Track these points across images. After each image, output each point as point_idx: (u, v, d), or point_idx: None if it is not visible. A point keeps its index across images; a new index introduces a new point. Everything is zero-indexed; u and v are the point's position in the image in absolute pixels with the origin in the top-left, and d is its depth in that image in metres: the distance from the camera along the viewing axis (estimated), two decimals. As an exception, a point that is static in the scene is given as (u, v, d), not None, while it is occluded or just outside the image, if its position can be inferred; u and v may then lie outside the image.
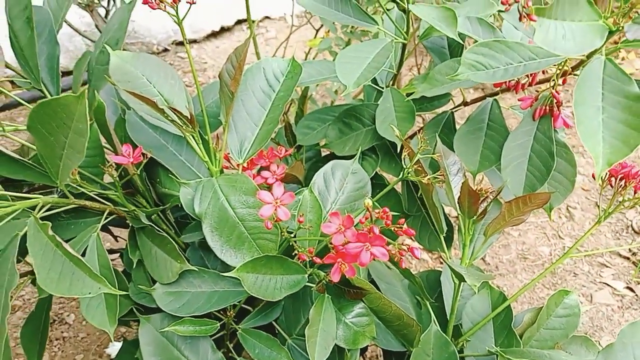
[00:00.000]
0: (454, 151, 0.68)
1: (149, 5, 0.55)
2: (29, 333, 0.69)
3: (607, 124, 0.47)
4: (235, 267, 0.51)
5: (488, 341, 0.64)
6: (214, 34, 2.29)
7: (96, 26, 1.55)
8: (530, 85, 0.67)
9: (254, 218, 0.55)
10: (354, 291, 0.55)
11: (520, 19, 0.46)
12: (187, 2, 0.56)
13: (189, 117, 0.57)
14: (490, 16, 0.70)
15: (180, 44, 2.19)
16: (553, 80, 0.63)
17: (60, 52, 0.72)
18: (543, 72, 0.66)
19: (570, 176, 0.66)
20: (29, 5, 0.67)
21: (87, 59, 0.73)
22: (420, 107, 0.77)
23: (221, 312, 0.62)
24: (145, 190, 0.67)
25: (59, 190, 0.64)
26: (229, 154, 0.63)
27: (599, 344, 1.21)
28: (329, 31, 1.45)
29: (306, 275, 0.55)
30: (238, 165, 0.62)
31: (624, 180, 0.59)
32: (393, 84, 0.81)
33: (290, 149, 0.78)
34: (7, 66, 0.70)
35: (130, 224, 0.65)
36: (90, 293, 0.46)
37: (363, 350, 0.85)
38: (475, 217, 0.62)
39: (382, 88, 0.80)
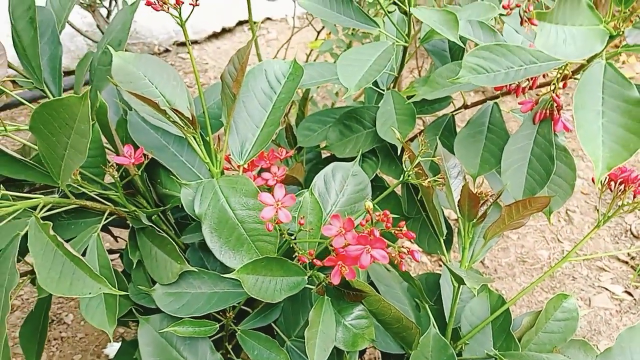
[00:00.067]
0: (454, 154, 0.68)
1: (152, 7, 0.55)
2: (28, 333, 0.69)
3: (607, 128, 0.47)
4: (234, 269, 0.51)
5: (487, 344, 0.64)
6: (215, 35, 2.29)
7: (98, 26, 1.55)
8: (530, 88, 0.67)
9: (254, 220, 0.56)
10: (354, 293, 0.55)
11: (521, 23, 0.47)
12: (190, 4, 0.56)
13: (191, 118, 0.57)
14: (491, 19, 0.70)
15: (182, 44, 2.20)
16: (553, 84, 0.63)
17: (62, 53, 0.72)
18: (544, 76, 0.66)
19: (570, 180, 0.66)
20: (32, 5, 0.68)
21: (90, 59, 0.73)
22: (420, 110, 0.77)
23: (220, 313, 0.62)
24: (146, 191, 0.67)
25: (60, 190, 0.64)
26: (229, 155, 0.63)
27: (597, 347, 1.21)
28: (330, 33, 1.45)
29: (306, 277, 0.55)
30: (239, 166, 0.63)
31: (623, 185, 0.59)
32: (394, 87, 0.81)
33: (291, 150, 0.78)
34: (10, 66, 0.70)
35: (131, 225, 0.65)
36: (90, 293, 0.46)
37: (362, 353, 0.85)
38: (475, 220, 0.62)
39: (383, 90, 0.80)
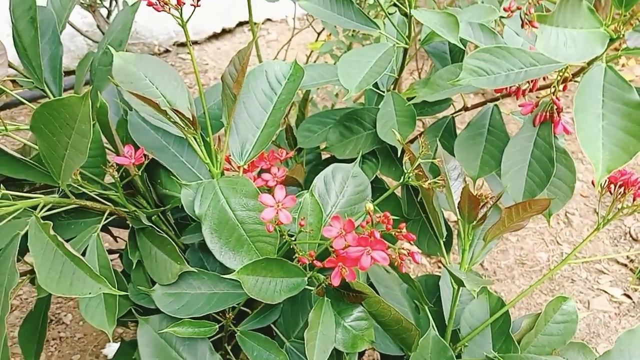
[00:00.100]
0: (454, 156, 0.68)
1: (153, 8, 0.55)
2: (27, 333, 0.69)
3: (607, 130, 0.47)
4: (234, 269, 0.51)
5: (486, 346, 0.64)
6: (215, 36, 2.29)
7: (98, 26, 1.55)
8: (531, 91, 0.67)
9: (254, 221, 0.56)
10: (354, 295, 0.55)
11: (522, 26, 0.47)
12: (192, 5, 0.56)
13: (191, 119, 0.57)
14: (492, 22, 0.70)
15: (182, 45, 2.20)
16: (554, 86, 0.63)
17: (63, 53, 0.72)
18: (544, 79, 0.66)
19: (570, 182, 0.66)
20: (33, 5, 0.68)
21: (90, 59, 0.73)
22: (421, 112, 0.77)
23: (220, 314, 0.62)
24: (146, 191, 0.67)
25: (60, 190, 0.64)
26: (230, 156, 0.63)
27: (596, 350, 1.21)
28: (330, 34, 1.45)
29: (306, 278, 0.55)
30: (239, 167, 0.63)
31: (623, 188, 0.59)
32: (394, 88, 0.81)
33: (291, 151, 0.78)
34: (10, 65, 0.70)
35: (131, 225, 0.65)
36: (90, 293, 0.46)
37: (361, 354, 0.85)
38: (475, 222, 0.62)
39: (383, 92, 0.80)
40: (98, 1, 1.52)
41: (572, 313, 0.65)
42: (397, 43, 0.72)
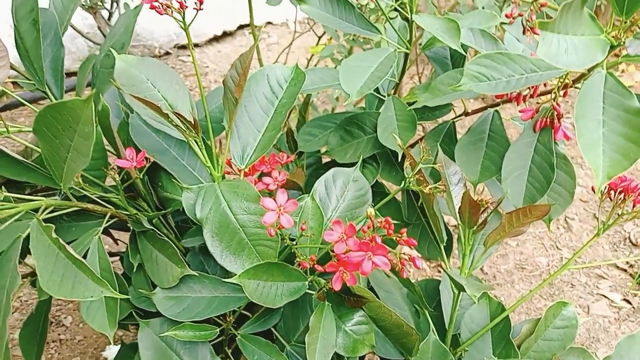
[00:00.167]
0: (455, 161, 0.69)
1: (156, 11, 0.55)
2: (28, 335, 0.69)
3: (608, 137, 0.47)
4: (235, 273, 0.51)
5: (486, 351, 0.64)
6: (216, 38, 2.29)
7: (99, 28, 1.56)
8: (531, 97, 0.67)
9: (255, 224, 0.56)
10: (354, 299, 0.55)
11: (524, 32, 0.47)
12: (194, 9, 0.56)
13: (193, 122, 0.57)
14: (493, 27, 0.71)
15: (182, 47, 2.20)
16: (554, 92, 0.63)
17: (65, 54, 0.73)
18: (544, 85, 0.67)
19: (570, 188, 0.66)
20: (35, 7, 0.68)
21: (92, 62, 0.73)
22: (421, 117, 0.77)
23: (220, 317, 0.62)
24: (147, 194, 0.67)
25: (61, 192, 0.64)
26: (230, 159, 0.63)
27: (596, 355, 1.21)
28: (331, 38, 1.45)
29: (307, 283, 0.55)
30: (240, 170, 0.63)
31: (623, 194, 0.60)
32: (395, 93, 0.81)
33: (292, 155, 0.79)
34: (12, 67, 0.70)
35: (132, 228, 0.65)
36: (92, 296, 0.46)
37: (361, 359, 0.85)
38: (475, 227, 0.62)
39: (384, 96, 0.81)
40: (99, 3, 1.52)
41: (572, 318, 0.65)
42: (398, 48, 0.72)
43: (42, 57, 0.68)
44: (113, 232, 0.79)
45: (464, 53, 0.67)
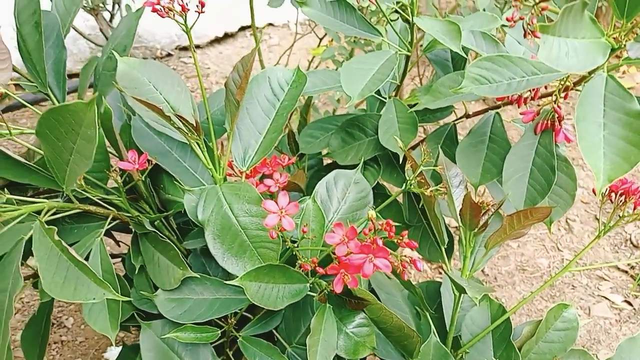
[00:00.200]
0: (456, 163, 0.69)
1: (158, 14, 0.56)
2: (30, 336, 0.69)
3: (608, 140, 0.48)
4: (236, 275, 0.52)
5: (487, 353, 0.64)
6: (217, 40, 2.30)
7: (100, 30, 1.56)
8: (532, 99, 0.68)
9: (257, 227, 0.56)
10: (355, 301, 0.55)
11: (525, 36, 0.47)
12: (196, 12, 0.57)
13: (195, 125, 0.57)
14: (493, 29, 0.71)
15: (184, 49, 2.20)
16: (555, 95, 0.63)
17: (67, 57, 0.73)
18: (545, 87, 0.67)
19: (571, 190, 0.67)
20: (37, 10, 0.68)
21: (94, 64, 0.73)
22: (422, 119, 0.78)
23: (222, 319, 0.63)
24: (149, 196, 0.67)
25: (63, 194, 0.65)
26: (232, 161, 0.63)
27: (597, 357, 1.21)
28: (332, 40, 1.46)
29: (308, 285, 0.55)
30: (241, 172, 0.63)
31: (624, 196, 0.60)
32: (396, 95, 0.82)
33: (293, 157, 0.79)
34: (14, 69, 0.71)
35: (133, 230, 0.65)
36: (94, 299, 0.46)
37: (362, 360, 0.85)
38: (476, 229, 0.62)
39: (385, 98, 0.81)
40: (101, 5, 1.53)
41: (572, 320, 0.65)
42: (399, 50, 0.72)
43: (44, 60, 0.68)
44: (115, 233, 0.80)
45: (465, 55, 0.67)
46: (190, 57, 2.12)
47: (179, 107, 0.62)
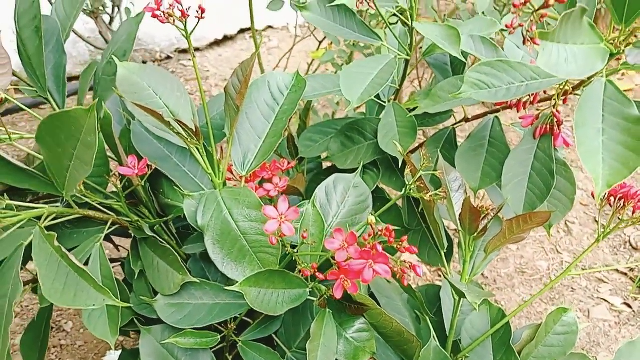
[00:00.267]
0: (455, 167, 0.69)
1: (158, 20, 0.56)
2: (29, 341, 0.69)
3: (607, 145, 0.48)
4: (236, 280, 0.52)
5: (487, 357, 0.64)
6: (217, 43, 2.30)
7: (100, 33, 1.56)
8: (531, 103, 0.68)
9: (256, 232, 0.56)
10: (355, 307, 0.55)
11: (524, 43, 0.47)
12: (196, 17, 0.57)
13: (194, 130, 0.57)
14: (493, 34, 0.71)
15: (183, 51, 2.20)
16: (554, 99, 0.63)
17: (67, 62, 0.73)
18: (544, 91, 0.67)
19: (570, 194, 0.67)
20: (38, 15, 0.68)
21: (94, 69, 0.73)
22: (422, 123, 0.78)
23: (222, 324, 0.62)
24: (149, 201, 0.67)
25: (63, 199, 0.65)
26: (232, 166, 0.63)
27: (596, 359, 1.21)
28: (332, 43, 1.46)
29: (308, 290, 0.55)
30: (241, 177, 0.63)
31: (622, 201, 0.60)
32: (395, 98, 0.82)
33: (293, 161, 0.79)
34: (14, 74, 0.71)
35: (133, 235, 0.65)
36: (94, 305, 0.46)
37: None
38: (476, 234, 0.62)
39: (385, 102, 0.81)
40: (100, 8, 1.53)
41: (572, 324, 0.65)
42: (399, 54, 0.72)
43: (44, 65, 0.69)
44: (114, 238, 0.80)
45: (464, 60, 0.67)
46: (190, 59, 2.13)
47: (178, 112, 0.62)
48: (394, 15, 0.73)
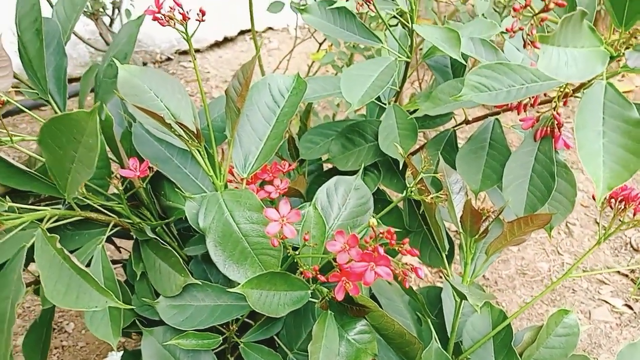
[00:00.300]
0: (456, 169, 0.69)
1: (158, 22, 0.56)
2: (32, 342, 0.69)
3: (608, 148, 0.48)
4: (238, 282, 0.52)
5: (488, 359, 0.64)
6: (217, 44, 2.30)
7: (100, 34, 1.57)
8: (532, 105, 0.68)
9: (258, 234, 0.56)
10: (357, 308, 0.55)
11: (524, 46, 0.47)
12: (197, 20, 0.57)
13: (195, 132, 0.58)
14: (493, 36, 0.71)
15: (184, 53, 2.21)
16: (554, 102, 0.64)
17: (67, 63, 0.73)
18: (544, 94, 0.67)
19: (571, 196, 0.67)
20: (39, 17, 0.68)
21: (95, 71, 0.74)
22: (422, 125, 0.78)
23: (223, 325, 0.63)
24: (150, 203, 0.67)
25: (65, 201, 0.65)
26: (233, 168, 0.63)
27: (597, 361, 1.21)
28: (332, 44, 1.46)
29: (309, 292, 0.55)
30: (242, 179, 0.63)
31: (623, 203, 0.60)
32: (395, 100, 0.82)
33: (294, 163, 0.79)
34: (15, 76, 0.71)
35: (135, 236, 0.66)
36: (97, 307, 0.46)
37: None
38: (477, 236, 0.62)
39: (385, 104, 0.81)
40: (101, 9, 1.53)
41: (573, 326, 0.66)
42: (399, 57, 0.72)
43: (45, 67, 0.69)
44: (116, 240, 0.80)
45: (464, 62, 0.67)
46: (190, 61, 2.13)
47: (179, 114, 0.62)
48: (394, 17, 0.73)
